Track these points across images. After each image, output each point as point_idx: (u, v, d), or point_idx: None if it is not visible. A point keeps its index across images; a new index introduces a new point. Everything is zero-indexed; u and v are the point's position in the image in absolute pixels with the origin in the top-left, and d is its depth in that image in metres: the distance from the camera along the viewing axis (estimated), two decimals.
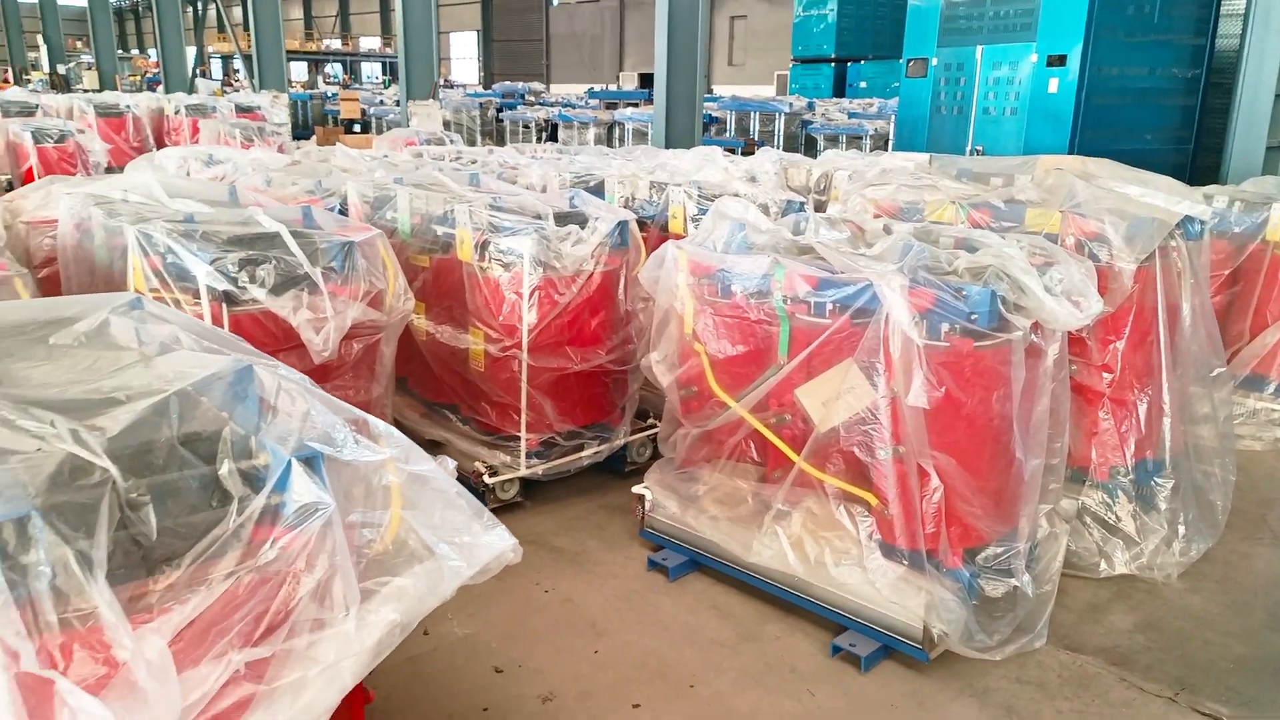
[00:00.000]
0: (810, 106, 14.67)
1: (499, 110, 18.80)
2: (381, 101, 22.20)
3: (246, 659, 1.39)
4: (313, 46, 46.63)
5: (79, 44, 42.17)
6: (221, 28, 39.79)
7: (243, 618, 1.41)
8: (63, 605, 1.24)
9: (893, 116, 12.26)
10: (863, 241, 3.12)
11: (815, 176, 4.72)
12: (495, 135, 18.37)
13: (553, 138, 17.12)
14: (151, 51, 50.91)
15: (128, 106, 13.81)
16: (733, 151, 8.78)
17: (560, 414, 3.73)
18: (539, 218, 3.62)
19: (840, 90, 22.55)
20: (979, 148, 7.49)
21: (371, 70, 49.09)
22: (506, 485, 3.68)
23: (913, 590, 2.69)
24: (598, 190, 4.67)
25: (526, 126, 17.82)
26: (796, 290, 2.81)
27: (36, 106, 12.94)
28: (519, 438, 3.67)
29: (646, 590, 3.23)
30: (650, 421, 4.18)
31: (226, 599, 1.39)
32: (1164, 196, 3.35)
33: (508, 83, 26.92)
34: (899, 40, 24.84)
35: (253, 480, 1.47)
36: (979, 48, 7.55)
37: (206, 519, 1.42)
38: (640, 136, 15.43)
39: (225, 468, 1.46)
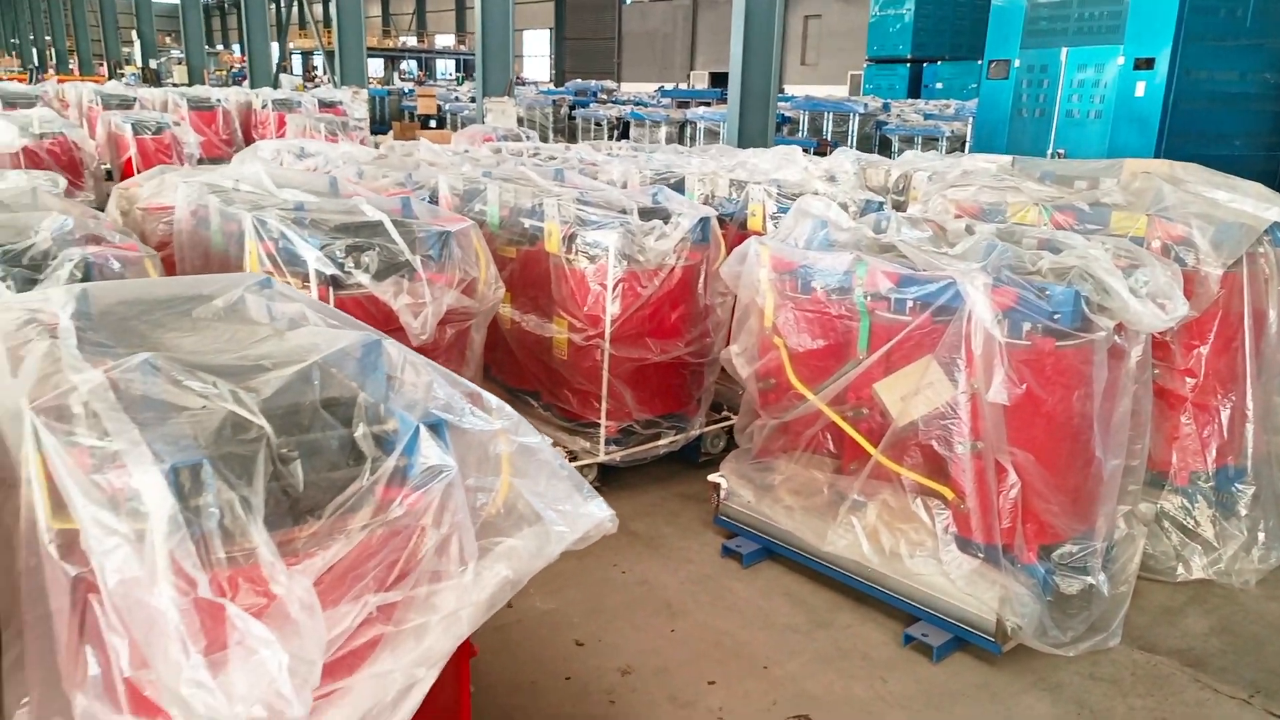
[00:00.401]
0: (886, 108, 14.53)
1: (571, 108, 19.08)
2: (457, 98, 22.64)
3: (378, 603, 1.53)
4: (389, 43, 47.78)
5: (168, 39, 43.82)
6: (304, 24, 41.02)
7: (375, 566, 1.55)
8: (228, 544, 1.40)
9: (970, 118, 12.12)
10: (944, 241, 3.17)
11: (894, 177, 4.75)
12: (567, 133, 18.64)
13: (624, 135, 17.28)
14: (236, 47, 52.72)
15: (218, 100, 14.36)
16: (806, 152, 8.78)
17: (639, 403, 3.85)
18: (624, 212, 3.75)
19: (915, 91, 22.27)
20: (1060, 151, 7.39)
21: (445, 67, 50.07)
22: (585, 471, 3.81)
23: (987, 584, 2.74)
24: (677, 187, 4.77)
25: (598, 124, 18.03)
26: (878, 287, 2.88)
27: (134, 100, 13.54)
28: (599, 425, 3.80)
29: (720, 575, 3.33)
30: (724, 414, 4.27)
31: (361, 549, 1.54)
32: (1252, 202, 3.32)
33: (578, 80, 27.24)
34: (977, 41, 24.33)
35: (383, 443, 1.61)
36: (1064, 50, 7.43)
37: (344, 476, 1.57)
38: (712, 136, 15.48)
39: (360, 430, 1.61)
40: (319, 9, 38.22)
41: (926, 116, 13.91)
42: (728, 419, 4.24)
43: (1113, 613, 2.84)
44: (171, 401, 1.53)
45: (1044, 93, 7.60)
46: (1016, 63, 7.79)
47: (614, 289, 3.63)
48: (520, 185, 4.14)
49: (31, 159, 8.82)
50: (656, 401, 3.93)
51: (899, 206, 4.61)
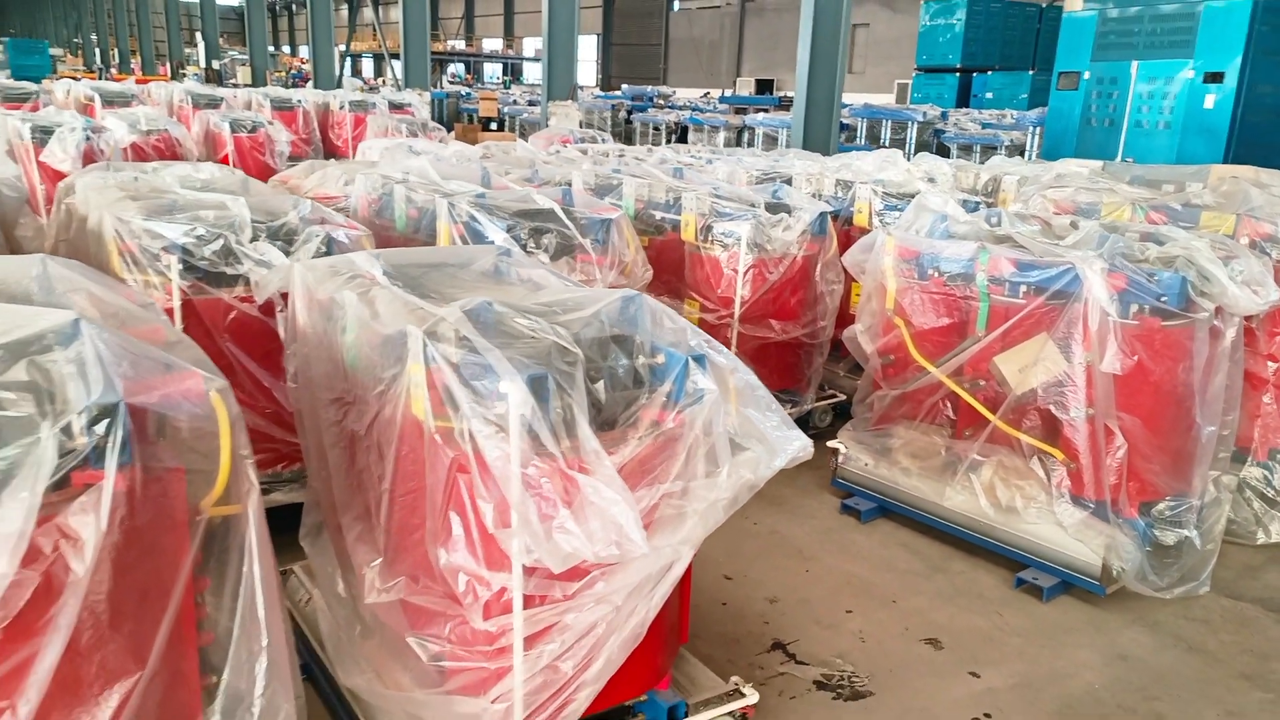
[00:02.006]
0: (943, 116, 14.83)
1: (629, 112, 19.57)
2: (514, 100, 23.25)
3: (663, 491, 1.97)
4: (438, 47, 48.65)
5: (220, 41, 44.97)
6: (353, 28, 41.95)
7: (658, 464, 1.99)
8: (564, 437, 1.85)
9: (1030, 128, 12.40)
10: (1051, 234, 3.56)
11: (983, 180, 5.14)
12: (624, 137, 19.12)
13: (681, 140, 17.74)
14: (287, 48, 53.96)
15: (299, 101, 14.98)
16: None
17: (760, 379, 4.24)
18: (753, 206, 4.18)
19: (964, 101, 22.41)
20: (1129, 160, 7.70)
21: (492, 70, 50.92)
22: None
23: (1094, 533, 3.13)
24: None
25: (656, 129, 18.50)
26: (1000, 272, 3.28)
27: (221, 99, 14.19)
28: None
29: (841, 529, 3.75)
30: (829, 392, 4.69)
31: (648, 451, 1.98)
32: None
33: (626, 85, 27.73)
34: (1027, 51, 24.30)
35: (657, 371, 2.06)
36: (1134, 63, 7.76)
37: (631, 395, 2.02)
38: (770, 141, 15.89)
39: (640, 360, 2.05)
40: (366, 13, 39.16)
41: (984, 125, 14.18)
42: (832, 397, 4.66)
43: (1202, 565, 3.22)
44: (509, 331, 1.98)
45: (1113, 103, 7.93)
46: (1086, 74, 8.11)
47: (744, 274, 4.07)
48: (653, 181, 4.59)
49: (139, 154, 9.41)
50: (775, 378, 4.35)
51: (989, 206, 4.99)
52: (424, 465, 1.98)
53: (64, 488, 1.55)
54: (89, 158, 7.87)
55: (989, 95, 22.02)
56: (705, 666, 2.50)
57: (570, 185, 4.35)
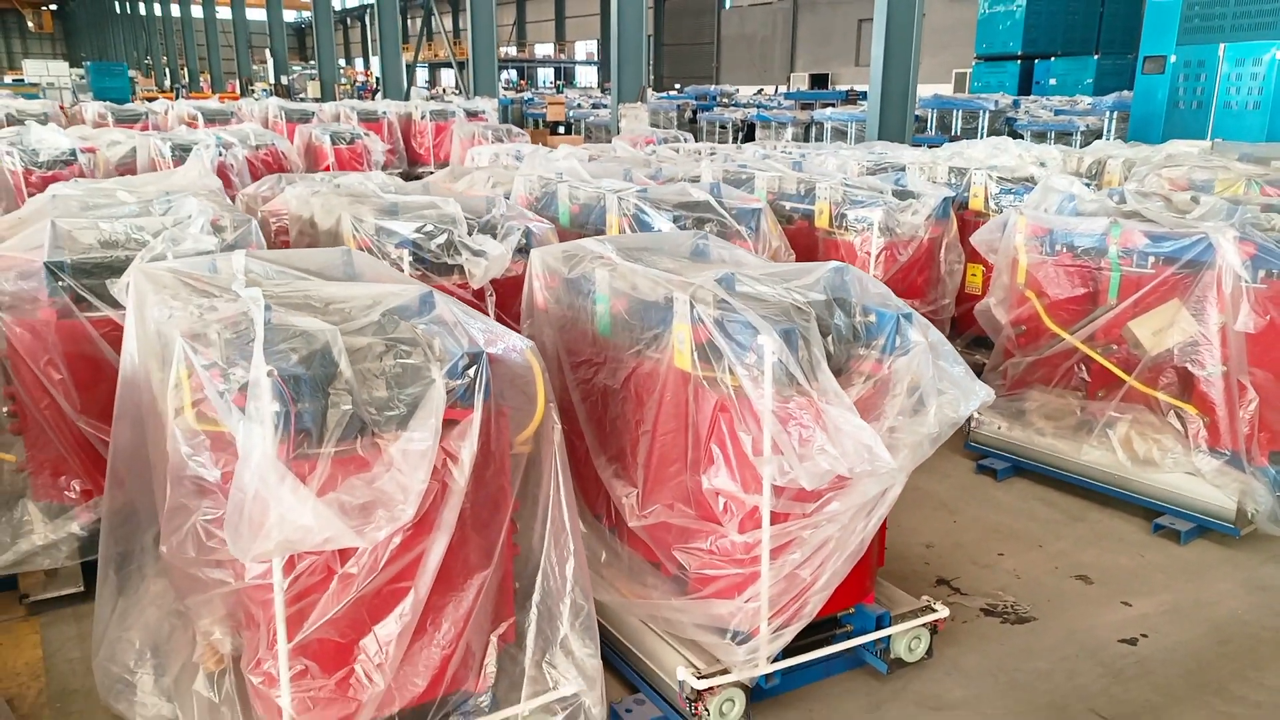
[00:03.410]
0: (1016, 104, 14.92)
1: (694, 112, 19.94)
2: (579, 105, 23.78)
3: (887, 425, 2.35)
4: None
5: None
6: (418, 38, 42.94)
7: (877, 405, 2.37)
8: (810, 380, 2.24)
9: (1108, 113, 12.47)
10: (1174, 209, 3.86)
11: (1086, 163, 5.41)
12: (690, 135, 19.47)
13: (748, 138, 18.06)
14: (356, 61, 55.34)
15: (383, 113, 15.63)
16: (934, 147, 9.39)
17: None
18: (881, 193, 4.53)
19: (1025, 89, 22.28)
20: (1218, 141, 7.85)
21: (544, 75, 51.70)
22: None
23: (1229, 480, 3.42)
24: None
25: (723, 127, 18.84)
26: (1132, 244, 3.59)
27: (313, 113, 14.89)
28: None
29: (979, 486, 4.08)
30: None
31: (869, 393, 2.36)
32: None
33: (679, 85, 28.12)
34: (1091, 36, 23.92)
35: (871, 328, 2.44)
36: (1220, 45, 7.90)
37: (851, 349, 2.40)
38: (839, 135, 16.12)
39: (857, 319, 2.44)
40: (420, 23, 40.08)
41: (1057, 112, 14.24)
42: None
43: None
44: (752, 295, 2.38)
45: (1201, 85, 8.07)
46: (1172, 58, 8.27)
47: (876, 256, 4.42)
48: (783, 174, 4.97)
49: (250, 167, 10.04)
50: None
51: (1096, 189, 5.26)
52: (686, 408, 2.39)
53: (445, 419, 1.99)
54: (221, 172, 8.47)
55: (1052, 82, 21.83)
56: (898, 589, 2.87)
57: (718, 181, 4.75)
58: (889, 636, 2.66)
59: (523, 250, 3.60)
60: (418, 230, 3.41)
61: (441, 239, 3.42)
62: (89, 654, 2.77)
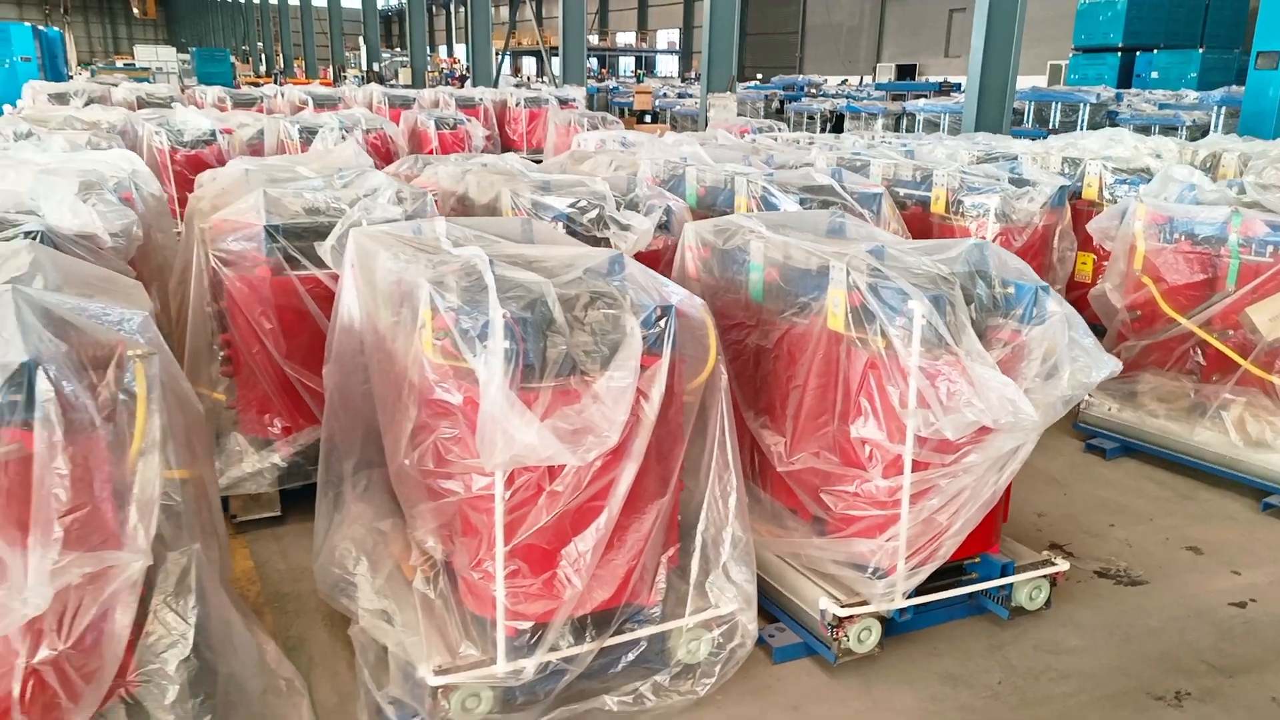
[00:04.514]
0: (1118, 98, 14.65)
1: (782, 102, 20.03)
2: (664, 93, 24.02)
3: (1024, 387, 2.57)
4: None
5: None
6: (508, 27, 43.75)
7: (1014, 367, 2.60)
8: (952, 342, 2.48)
9: (1215, 108, 12.19)
10: None
11: (1201, 156, 5.46)
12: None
13: (836, 129, 18.08)
14: (440, 49, 56.53)
15: (480, 99, 16.12)
16: (1033, 140, 9.38)
17: None
18: (997, 180, 4.70)
19: (1125, 82, 21.67)
20: None
21: (625, 64, 52.01)
22: None
23: None
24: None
25: (810, 118, 18.89)
26: (1253, 233, 3.71)
27: (414, 99, 15.44)
28: None
29: (1088, 464, 4.25)
30: None
31: (1008, 357, 2.59)
32: None
33: (761, 76, 28.09)
34: (1195, 29, 23.06)
35: (1009, 299, 2.66)
36: None
37: (991, 317, 2.63)
38: (930, 127, 16.05)
39: (997, 289, 2.67)
40: (502, 11, 40.73)
41: (1161, 106, 13.94)
42: None
43: None
44: (899, 265, 2.64)
45: None
46: None
47: (991, 241, 4.58)
48: (898, 162, 5.17)
49: None
50: None
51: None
52: (836, 366, 2.66)
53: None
54: None
55: (1154, 75, 21.19)
56: (1019, 543, 3.10)
57: (840, 167, 4.98)
58: (1011, 585, 2.89)
59: (662, 226, 3.92)
60: (571, 205, 3.74)
61: (593, 213, 3.75)
62: (292, 566, 3.21)
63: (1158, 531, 3.63)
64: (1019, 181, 4.74)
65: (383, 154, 10.87)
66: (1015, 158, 5.45)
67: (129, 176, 4.18)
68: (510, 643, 2.34)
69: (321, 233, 3.24)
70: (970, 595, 2.92)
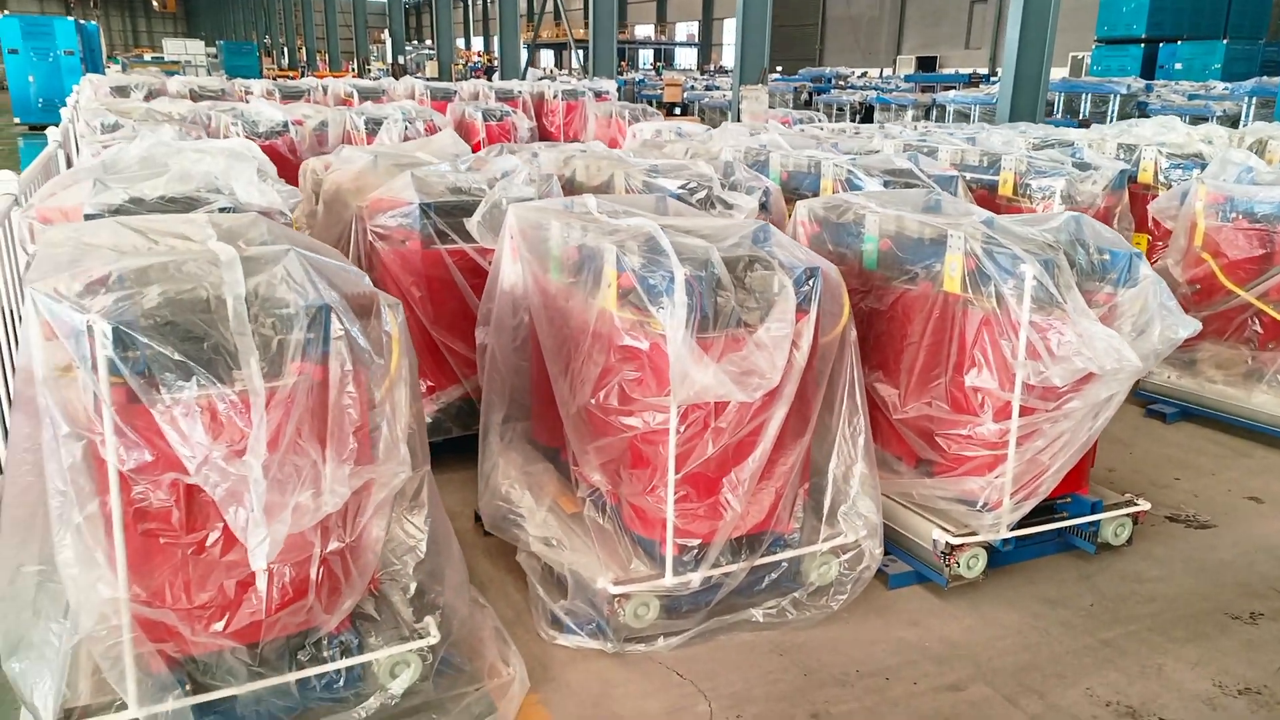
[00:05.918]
0: (1149, 88, 14.87)
1: (811, 94, 20.31)
2: (691, 86, 24.32)
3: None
4: (580, 34, 50.21)
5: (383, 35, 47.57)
6: (535, 19, 44.03)
7: (1110, 324, 2.93)
8: (1060, 300, 2.82)
9: (1247, 98, 12.43)
10: None
11: (1248, 143, 5.77)
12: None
13: (866, 119, 18.34)
14: (457, 41, 56.77)
15: (519, 91, 16.44)
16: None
17: None
18: (1062, 164, 5.02)
19: (1148, 73, 21.80)
20: None
21: (644, 56, 52.22)
22: None
23: None
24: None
25: (840, 109, 19.17)
26: None
27: (455, 91, 15.77)
28: None
29: (1149, 427, 4.58)
30: None
31: (1104, 316, 2.93)
32: None
33: (779, 67, 28.26)
34: (1219, 19, 23.10)
35: (1105, 265, 3.00)
36: None
37: (1089, 280, 2.97)
38: (960, 117, 16.30)
39: (1094, 255, 3.00)
40: (540, 4, 41.00)
41: (1190, 96, 14.16)
42: None
43: None
44: (1008, 233, 2.98)
45: None
46: None
47: None
48: (965, 147, 5.50)
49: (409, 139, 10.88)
50: None
51: None
52: (951, 323, 3.01)
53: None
54: (407, 140, 9.28)
55: (1178, 66, 21.32)
56: (1105, 487, 3.44)
57: (920, 152, 5.31)
58: (1099, 522, 3.24)
59: (761, 205, 4.27)
60: (681, 186, 4.09)
61: (702, 194, 4.10)
62: (453, 506, 3.58)
63: (1220, 484, 3.96)
64: (1081, 165, 5.06)
65: None
66: (1071, 144, 5.77)
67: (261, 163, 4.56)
68: (677, 559, 2.70)
69: (468, 210, 3.61)
70: (1059, 533, 3.27)
